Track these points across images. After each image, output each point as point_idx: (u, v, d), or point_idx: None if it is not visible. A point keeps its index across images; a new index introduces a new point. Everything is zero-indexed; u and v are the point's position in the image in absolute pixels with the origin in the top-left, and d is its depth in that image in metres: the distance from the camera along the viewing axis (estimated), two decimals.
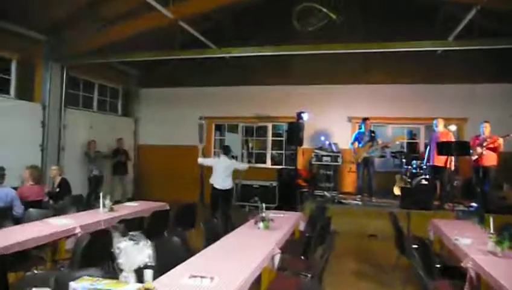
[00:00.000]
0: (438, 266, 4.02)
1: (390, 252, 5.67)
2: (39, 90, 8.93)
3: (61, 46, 8.93)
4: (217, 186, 7.51)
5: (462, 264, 3.54)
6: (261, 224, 4.40)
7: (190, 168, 11.74)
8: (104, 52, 9.32)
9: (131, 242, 2.11)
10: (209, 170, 7.95)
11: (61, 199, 6.63)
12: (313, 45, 8.31)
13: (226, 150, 7.84)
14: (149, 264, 2.15)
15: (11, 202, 5.38)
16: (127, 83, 12.35)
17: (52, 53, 8.92)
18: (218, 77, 11.58)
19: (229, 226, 5.05)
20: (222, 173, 7.50)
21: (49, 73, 8.96)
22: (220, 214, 5.15)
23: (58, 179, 7.07)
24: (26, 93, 8.72)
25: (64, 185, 6.94)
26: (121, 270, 2.14)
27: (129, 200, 10.29)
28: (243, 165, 7.96)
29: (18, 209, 5.44)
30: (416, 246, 4.57)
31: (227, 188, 7.58)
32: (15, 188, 5.97)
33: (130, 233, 2.18)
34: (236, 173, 7.82)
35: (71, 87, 10.12)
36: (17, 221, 5.14)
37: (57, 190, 6.89)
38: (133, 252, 2.09)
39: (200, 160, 7.99)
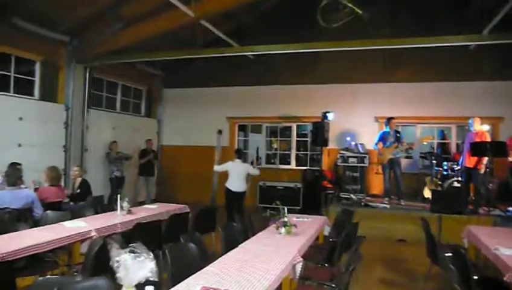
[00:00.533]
0: (476, 277, 3.68)
1: (421, 258, 5.34)
2: (62, 91, 8.94)
3: (84, 47, 8.91)
4: (232, 189, 7.66)
5: (505, 279, 3.21)
6: (282, 229, 4.16)
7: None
8: (127, 52, 9.28)
9: (132, 255, 1.91)
10: (224, 174, 8.00)
11: (81, 201, 6.59)
12: (338, 42, 8.00)
13: (240, 154, 8.02)
14: (152, 279, 1.95)
15: (31, 203, 5.33)
16: (150, 83, 12.30)
17: (75, 54, 8.91)
18: (242, 77, 11.43)
19: (249, 229, 4.86)
20: (237, 176, 7.68)
21: (72, 74, 8.95)
22: (239, 217, 4.96)
23: (78, 180, 7.03)
24: (50, 94, 8.74)
25: (85, 186, 6.88)
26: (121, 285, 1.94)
27: (153, 201, 10.27)
28: (255, 171, 7.98)
29: (38, 210, 5.38)
30: (450, 254, 4.26)
31: (242, 190, 7.71)
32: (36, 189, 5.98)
33: (130, 245, 1.98)
34: (248, 177, 7.94)
35: (95, 88, 10.13)
36: (36, 223, 5.09)
37: (78, 191, 6.84)
38: (134, 266, 1.88)
39: (216, 168, 8.14)
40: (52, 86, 8.82)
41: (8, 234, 3.93)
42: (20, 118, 7.93)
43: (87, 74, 9.33)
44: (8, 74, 8.02)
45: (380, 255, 6.50)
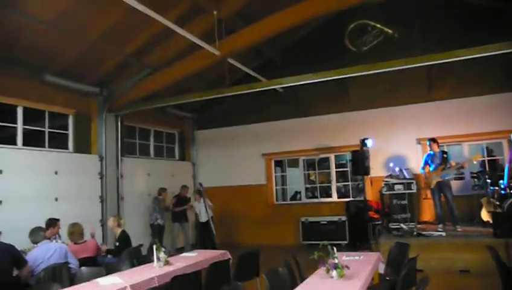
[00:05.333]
0: None
1: None
2: (95, 142, 8.97)
3: (113, 97, 8.99)
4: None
5: None
6: (334, 272, 3.72)
7: (252, 208, 11.33)
8: (156, 97, 9.28)
9: None
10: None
11: (121, 253, 6.32)
12: (369, 65, 7.60)
13: (201, 193, 9.79)
14: None
15: (65, 256, 5.17)
16: (182, 126, 12.29)
17: (106, 104, 8.98)
18: (274, 112, 11.29)
19: (296, 273, 4.43)
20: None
21: (104, 124, 8.98)
22: None
23: (117, 232, 6.79)
24: (83, 146, 8.79)
25: (123, 238, 6.62)
26: None
27: (193, 246, 9.98)
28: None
29: (74, 261, 5.24)
30: None
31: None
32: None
33: None
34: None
35: (127, 136, 10.16)
36: (73, 278, 4.91)
37: (117, 243, 6.59)
38: None
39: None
40: (85, 137, 8.88)
41: None
42: (56, 172, 7.93)
43: (119, 123, 9.38)
44: (43, 129, 8.10)
45: None
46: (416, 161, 9.68)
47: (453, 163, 8.15)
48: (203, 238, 10.03)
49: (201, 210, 9.92)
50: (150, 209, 9.74)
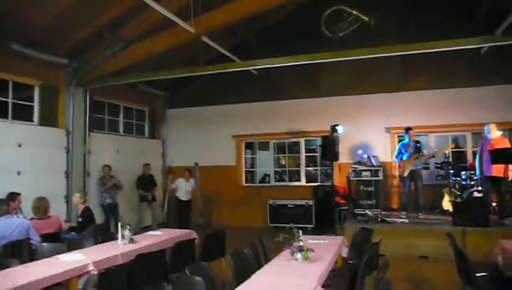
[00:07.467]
0: None
1: (447, 276, 4.92)
2: (62, 115, 8.70)
3: (83, 70, 8.70)
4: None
5: None
6: (298, 255, 3.77)
7: (221, 189, 11.32)
8: (127, 73, 9.05)
9: None
10: None
11: (83, 230, 6.22)
12: (343, 52, 7.62)
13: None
14: None
15: (27, 232, 5.03)
16: (153, 104, 12.07)
17: (75, 77, 8.69)
18: (247, 93, 11.19)
19: (261, 255, 4.48)
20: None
21: (72, 98, 8.71)
22: None
23: (81, 208, 6.67)
24: (49, 119, 8.50)
25: (86, 214, 6.51)
26: None
27: (161, 224, 9.92)
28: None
29: (36, 238, 5.10)
30: (483, 274, 3.88)
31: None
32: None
33: None
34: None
35: (96, 111, 9.90)
36: (34, 253, 4.80)
37: (79, 219, 6.48)
38: None
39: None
40: (52, 110, 8.59)
41: None
42: (19, 145, 7.66)
43: (88, 97, 9.10)
44: (6, 100, 7.79)
45: (402, 275, 6.03)
46: (383, 149, 9.89)
47: (425, 152, 8.38)
48: (181, 216, 10.26)
49: (188, 189, 10.30)
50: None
